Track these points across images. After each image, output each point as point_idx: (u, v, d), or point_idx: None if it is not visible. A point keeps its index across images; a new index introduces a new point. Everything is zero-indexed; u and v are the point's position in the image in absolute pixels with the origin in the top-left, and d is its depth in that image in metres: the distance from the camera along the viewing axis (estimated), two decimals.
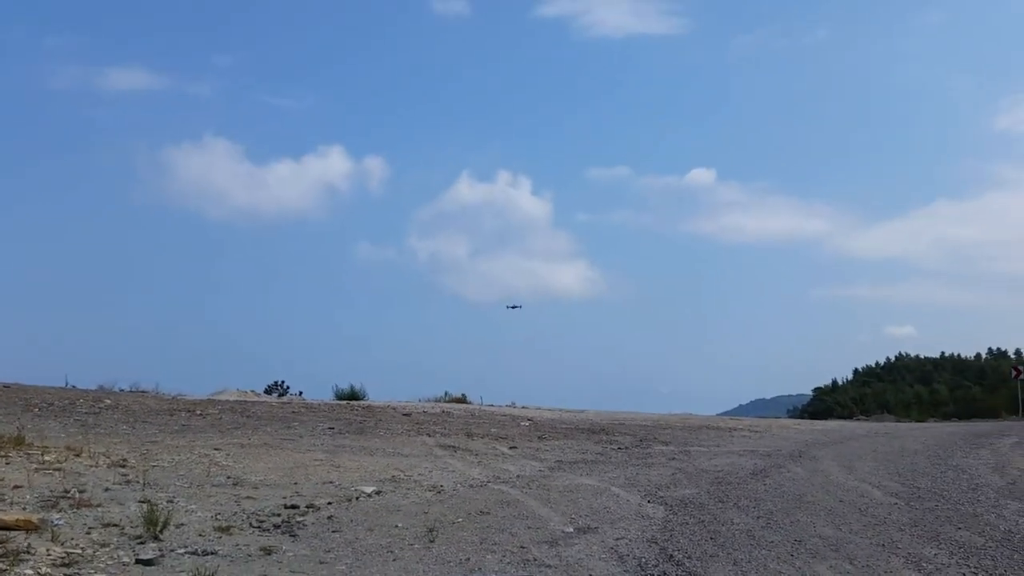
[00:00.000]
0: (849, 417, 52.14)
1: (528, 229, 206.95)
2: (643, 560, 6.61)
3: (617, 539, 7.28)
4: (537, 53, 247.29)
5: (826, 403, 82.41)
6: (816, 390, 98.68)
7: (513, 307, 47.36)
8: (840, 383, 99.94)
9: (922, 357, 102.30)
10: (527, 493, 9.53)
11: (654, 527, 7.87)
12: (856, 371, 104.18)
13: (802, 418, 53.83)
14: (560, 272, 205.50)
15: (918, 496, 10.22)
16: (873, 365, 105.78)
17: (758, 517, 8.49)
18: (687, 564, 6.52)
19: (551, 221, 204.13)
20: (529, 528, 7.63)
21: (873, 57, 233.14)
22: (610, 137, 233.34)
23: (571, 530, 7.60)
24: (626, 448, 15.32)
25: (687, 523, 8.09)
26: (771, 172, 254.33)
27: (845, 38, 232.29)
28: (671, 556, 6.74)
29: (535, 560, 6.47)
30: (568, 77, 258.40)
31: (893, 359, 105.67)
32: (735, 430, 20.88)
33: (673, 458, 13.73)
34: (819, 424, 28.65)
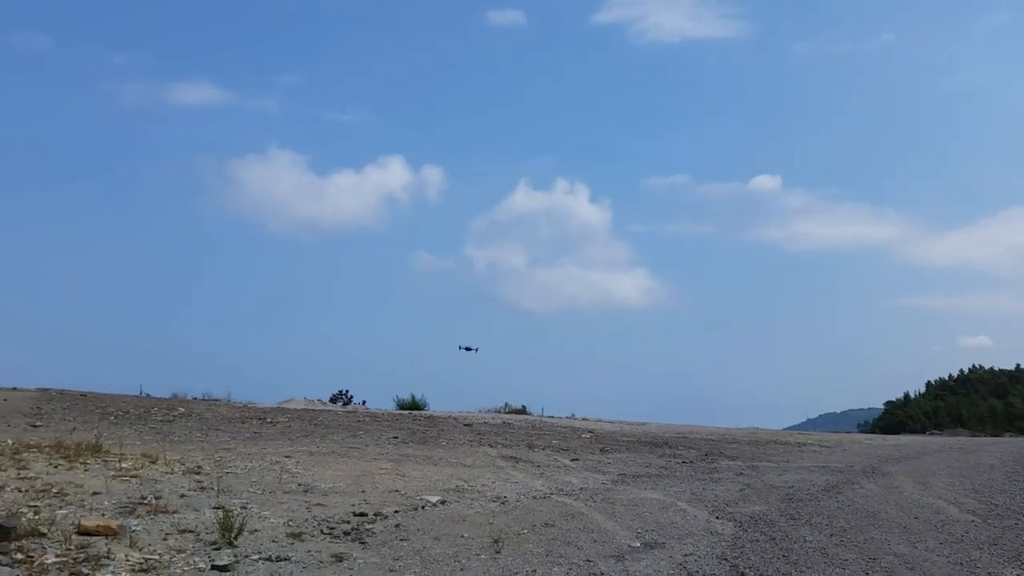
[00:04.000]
0: (922, 431, 50.75)
1: (586, 238, 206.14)
2: None
3: (685, 555, 7.18)
4: (593, 60, 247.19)
5: (898, 417, 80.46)
6: (888, 404, 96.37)
7: (467, 349, 41.15)
8: (912, 396, 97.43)
9: (996, 369, 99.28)
10: (591, 506, 9.47)
11: (723, 544, 7.73)
12: (929, 384, 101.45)
13: (873, 433, 52.58)
14: (619, 281, 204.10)
15: (996, 513, 9.87)
16: (946, 377, 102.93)
17: (831, 534, 8.29)
18: None
19: (609, 229, 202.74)
20: (595, 541, 7.58)
21: (939, 61, 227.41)
22: (668, 144, 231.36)
23: (638, 545, 7.53)
24: (691, 462, 15.12)
25: (757, 540, 7.94)
26: (838, 178, 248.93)
27: (910, 42, 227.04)
28: (742, 574, 6.61)
29: (602, 574, 6.42)
30: (624, 83, 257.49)
31: (967, 371, 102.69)
32: (804, 445, 20.45)
33: (741, 473, 13.50)
34: (891, 439, 27.87)
